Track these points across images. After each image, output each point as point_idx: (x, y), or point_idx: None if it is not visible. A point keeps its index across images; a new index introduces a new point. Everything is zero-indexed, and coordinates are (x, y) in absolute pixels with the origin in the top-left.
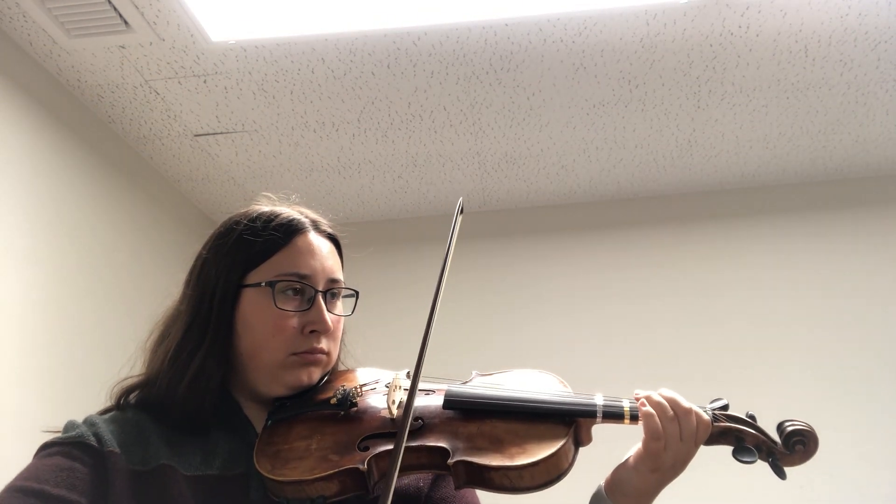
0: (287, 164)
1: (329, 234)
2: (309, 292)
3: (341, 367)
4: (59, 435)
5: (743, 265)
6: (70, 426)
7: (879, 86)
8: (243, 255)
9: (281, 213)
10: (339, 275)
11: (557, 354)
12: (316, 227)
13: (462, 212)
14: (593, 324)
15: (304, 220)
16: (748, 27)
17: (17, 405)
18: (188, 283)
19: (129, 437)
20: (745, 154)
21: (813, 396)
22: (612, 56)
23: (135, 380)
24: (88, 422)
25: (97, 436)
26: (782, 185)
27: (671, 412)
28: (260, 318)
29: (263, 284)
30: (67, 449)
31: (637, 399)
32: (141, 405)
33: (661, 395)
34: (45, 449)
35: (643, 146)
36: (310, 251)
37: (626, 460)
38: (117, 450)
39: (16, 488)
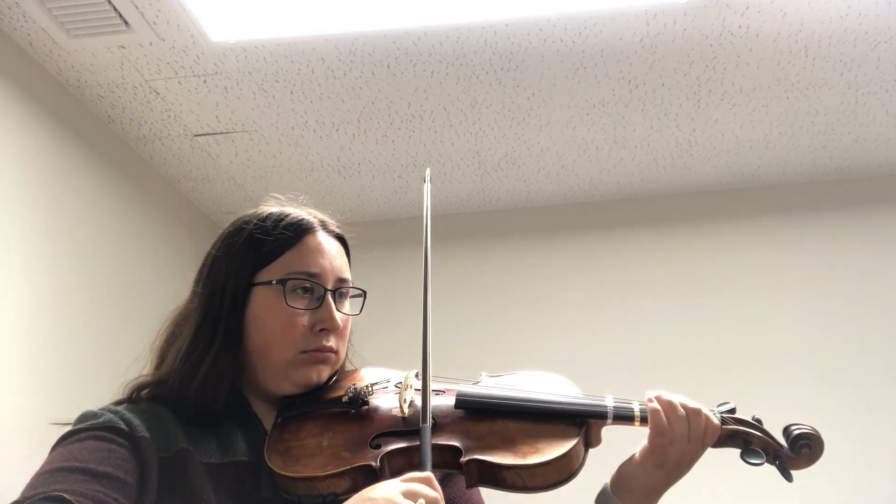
0: (287, 164)
1: (337, 234)
2: (318, 291)
3: (348, 367)
4: (82, 424)
5: (743, 265)
6: (91, 415)
7: (879, 86)
8: (253, 253)
9: (290, 213)
10: (348, 274)
11: (557, 354)
12: (324, 227)
13: (430, 181)
14: (593, 323)
15: (313, 220)
16: (748, 27)
17: (17, 405)
18: (198, 281)
19: (152, 424)
20: (745, 154)
21: (812, 396)
22: (612, 56)
23: (146, 378)
24: (110, 410)
25: (125, 421)
26: (782, 185)
27: (681, 411)
28: (270, 315)
29: (274, 282)
30: (99, 433)
31: (648, 398)
32: (154, 399)
33: (671, 395)
34: (72, 436)
35: (643, 146)
36: (319, 250)
37: (633, 456)
38: (147, 435)
39: (55, 469)
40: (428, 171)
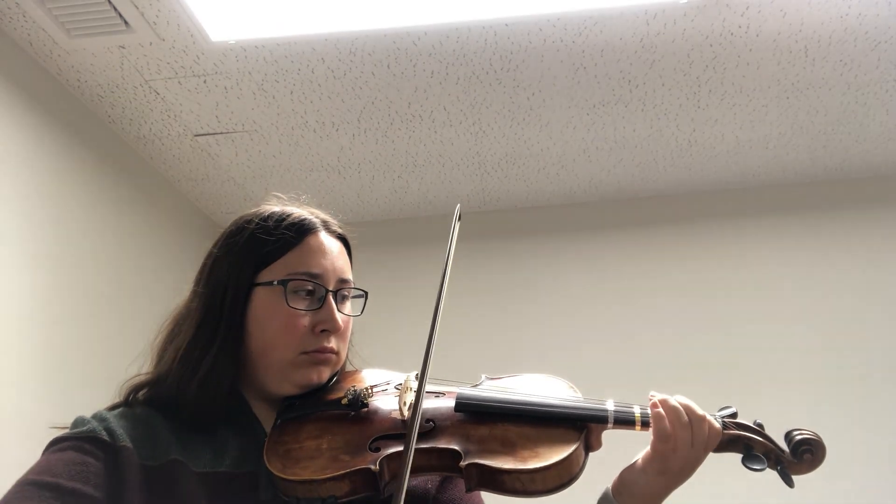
0: (287, 164)
1: (339, 234)
2: (320, 292)
3: (349, 368)
4: (70, 431)
5: (743, 265)
6: (80, 422)
7: (879, 86)
8: (255, 253)
9: (292, 213)
10: (349, 275)
11: (557, 354)
12: (326, 227)
13: (459, 218)
14: (593, 324)
15: (315, 220)
16: (748, 27)
17: (17, 405)
18: (198, 281)
19: (140, 433)
20: (745, 154)
21: (812, 395)
22: (612, 56)
23: (144, 377)
24: (98, 417)
25: (109, 430)
26: (782, 185)
27: (685, 418)
28: (271, 316)
29: (275, 283)
30: (79, 444)
31: (651, 399)
32: (150, 402)
33: (676, 400)
34: (56, 444)
35: (643, 146)
36: (321, 251)
37: (635, 462)
38: (129, 444)
39: (29, 482)
40: (458, 206)
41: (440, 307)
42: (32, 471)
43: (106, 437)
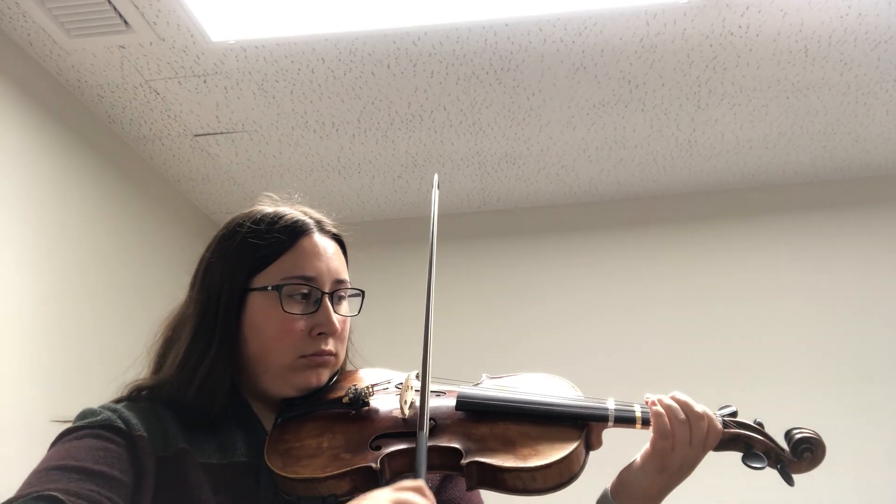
0: (287, 164)
1: (333, 234)
2: (315, 295)
3: (349, 367)
4: (81, 421)
5: (743, 265)
6: (90, 412)
7: (879, 86)
8: (248, 258)
9: (285, 215)
10: (345, 275)
11: (558, 353)
12: (320, 227)
13: (438, 187)
14: (593, 323)
15: (308, 220)
16: (748, 27)
17: (17, 404)
18: (193, 286)
19: (151, 423)
20: (745, 154)
21: (812, 395)
22: (612, 56)
23: (144, 381)
24: (109, 407)
25: (124, 419)
26: (782, 185)
27: (683, 415)
28: (267, 322)
29: (270, 289)
30: (96, 431)
31: (647, 401)
32: (153, 400)
33: (673, 398)
34: (71, 433)
35: (643, 146)
36: (315, 253)
37: (633, 461)
38: (145, 434)
39: (51, 468)
40: (436, 176)
41: (432, 280)
42: (50, 459)
43: (122, 426)
